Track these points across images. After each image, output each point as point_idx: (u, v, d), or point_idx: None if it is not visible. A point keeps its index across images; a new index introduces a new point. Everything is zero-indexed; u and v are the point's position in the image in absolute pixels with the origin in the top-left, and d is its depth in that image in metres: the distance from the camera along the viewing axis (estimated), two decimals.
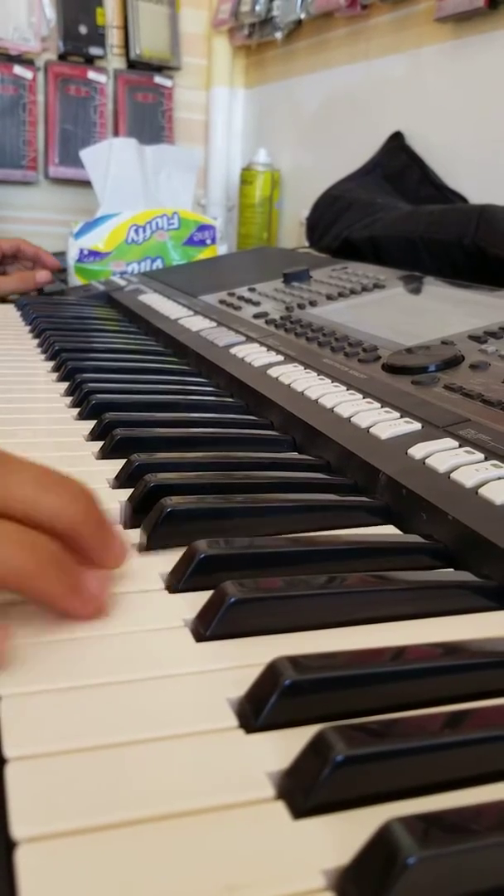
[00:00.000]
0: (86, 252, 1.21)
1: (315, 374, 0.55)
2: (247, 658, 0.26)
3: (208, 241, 1.30)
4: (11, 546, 0.26)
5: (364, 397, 0.49)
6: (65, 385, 0.61)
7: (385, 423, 0.44)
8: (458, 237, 0.85)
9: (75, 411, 0.55)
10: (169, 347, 0.75)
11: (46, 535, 0.28)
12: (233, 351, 0.65)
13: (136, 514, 0.38)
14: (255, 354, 0.62)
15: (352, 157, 1.23)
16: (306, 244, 1.20)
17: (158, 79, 1.63)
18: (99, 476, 0.42)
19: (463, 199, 1.06)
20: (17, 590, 0.27)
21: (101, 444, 0.47)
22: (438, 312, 0.67)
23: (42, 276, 1.05)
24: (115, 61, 1.60)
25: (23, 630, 0.27)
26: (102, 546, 0.30)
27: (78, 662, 0.26)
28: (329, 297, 0.77)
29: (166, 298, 0.92)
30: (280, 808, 0.20)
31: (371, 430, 0.44)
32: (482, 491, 0.35)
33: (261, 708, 0.23)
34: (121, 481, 0.42)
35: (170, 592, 0.31)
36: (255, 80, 1.67)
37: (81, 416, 0.53)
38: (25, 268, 1.10)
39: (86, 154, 1.27)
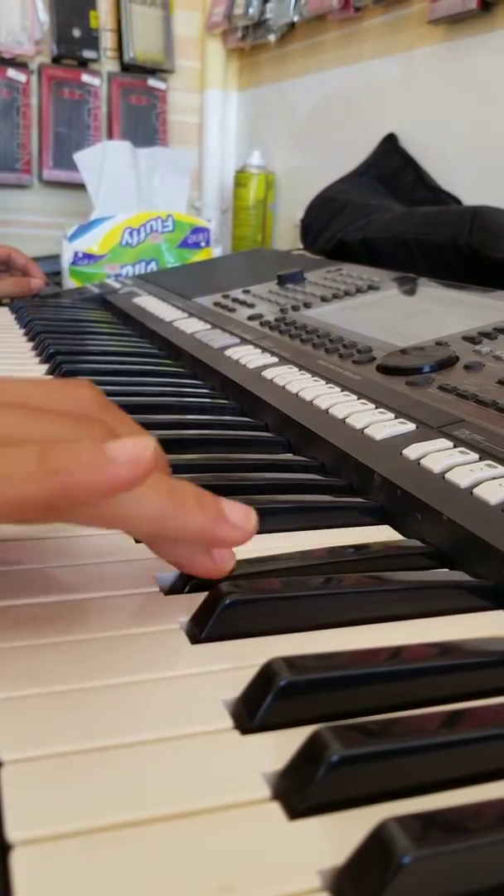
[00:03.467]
0: (80, 255, 1.21)
1: (310, 375, 0.55)
2: (242, 659, 0.26)
3: (203, 244, 1.30)
4: (153, 491, 0.27)
5: (358, 398, 0.49)
6: None
7: (380, 424, 0.44)
8: (451, 238, 0.85)
9: None
10: (163, 350, 0.75)
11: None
12: (227, 353, 0.65)
13: None
14: (249, 356, 0.62)
15: (346, 159, 1.23)
16: (300, 246, 1.20)
17: (152, 81, 1.63)
18: None
19: (456, 201, 1.06)
20: (160, 531, 0.27)
21: None
22: (432, 313, 0.67)
23: (36, 283, 1.05)
24: (109, 64, 1.61)
25: (18, 633, 0.27)
26: (216, 522, 0.29)
27: (73, 665, 0.26)
28: (323, 299, 0.77)
29: (161, 301, 0.92)
30: (275, 809, 0.20)
31: (366, 430, 0.44)
32: (477, 491, 0.35)
33: (256, 709, 0.23)
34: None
35: (165, 594, 0.31)
36: (249, 82, 1.67)
37: None
38: (15, 276, 1.10)
39: (80, 157, 1.27)
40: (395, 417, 0.45)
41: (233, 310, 0.80)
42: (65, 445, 0.25)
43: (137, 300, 0.96)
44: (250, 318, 0.75)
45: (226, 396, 0.60)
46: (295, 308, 0.75)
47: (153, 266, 1.25)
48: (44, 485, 0.24)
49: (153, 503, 0.27)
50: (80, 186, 1.32)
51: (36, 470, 0.24)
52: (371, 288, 0.78)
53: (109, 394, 0.56)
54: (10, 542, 0.34)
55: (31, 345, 0.77)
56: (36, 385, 0.30)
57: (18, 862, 0.18)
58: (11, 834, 0.19)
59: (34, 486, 0.24)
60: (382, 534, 0.38)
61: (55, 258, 1.25)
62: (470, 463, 0.38)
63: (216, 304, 0.84)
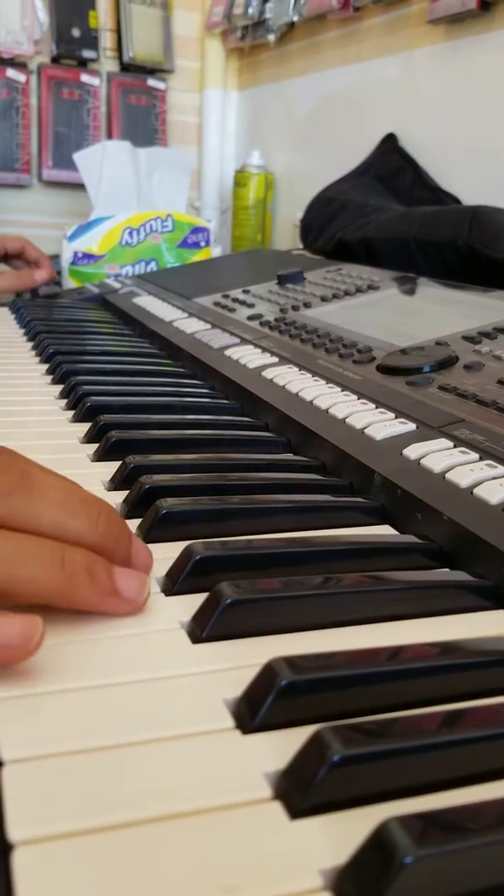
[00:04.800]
0: (80, 255, 1.21)
1: (310, 375, 0.55)
2: (243, 659, 0.26)
3: (202, 244, 1.30)
4: (42, 566, 0.27)
5: (359, 398, 0.49)
6: (59, 388, 0.60)
7: (380, 424, 0.44)
8: (451, 238, 0.85)
9: (70, 413, 0.55)
10: (163, 350, 0.75)
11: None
12: (227, 353, 0.65)
13: (132, 516, 0.38)
14: (249, 356, 0.62)
15: (345, 158, 1.23)
16: (300, 246, 1.20)
17: (151, 81, 1.63)
18: (94, 478, 0.42)
19: (456, 201, 1.06)
20: (53, 605, 0.27)
21: (95, 446, 0.47)
22: (432, 313, 0.67)
23: (41, 274, 1.05)
24: (109, 64, 1.61)
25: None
26: (125, 562, 0.30)
27: (74, 665, 0.26)
28: (323, 299, 0.77)
29: (161, 301, 0.92)
30: (277, 809, 0.20)
31: (366, 430, 0.44)
32: (477, 491, 0.35)
33: (257, 709, 0.23)
34: (116, 483, 0.42)
35: (166, 595, 0.31)
36: (249, 82, 1.67)
37: (76, 419, 0.53)
38: (19, 269, 1.09)
39: (79, 157, 1.27)
40: (396, 417, 0.45)
41: (233, 310, 0.80)
42: None
43: (137, 300, 0.96)
44: (250, 317, 0.75)
45: (226, 396, 0.60)
46: (295, 308, 0.75)
47: (153, 266, 1.25)
48: None
49: (44, 577, 0.27)
50: (80, 186, 1.32)
51: None
52: (371, 288, 0.78)
53: (108, 394, 0.57)
54: None
55: (30, 345, 0.77)
56: (61, 513, 0.29)
57: (20, 861, 0.18)
58: (13, 833, 0.19)
59: None
60: (382, 534, 0.38)
61: (55, 258, 1.25)
62: (470, 463, 0.38)
63: (216, 303, 0.84)
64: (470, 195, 1.04)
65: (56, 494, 0.29)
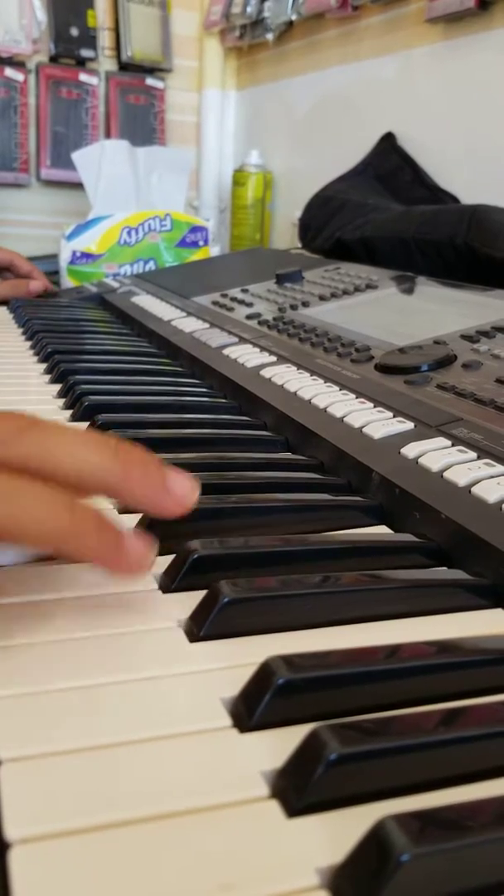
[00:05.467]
0: (78, 254, 1.21)
1: (308, 374, 0.55)
2: (240, 658, 0.26)
3: (201, 243, 1.30)
4: (48, 506, 0.26)
5: (357, 397, 0.49)
6: (58, 387, 0.60)
7: (378, 423, 0.44)
8: (449, 237, 0.85)
9: (68, 413, 0.55)
10: (162, 349, 0.75)
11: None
12: (226, 352, 0.65)
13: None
14: (247, 355, 0.62)
15: (344, 158, 1.23)
16: (299, 245, 1.20)
17: (150, 81, 1.63)
18: None
19: (455, 200, 1.06)
20: (57, 549, 0.26)
21: None
22: (431, 312, 0.67)
23: (35, 285, 1.05)
24: (107, 63, 1.60)
25: (17, 631, 0.27)
26: (162, 492, 0.29)
27: (71, 663, 0.26)
28: (322, 298, 0.77)
29: (159, 300, 0.92)
30: (274, 807, 0.20)
31: (364, 429, 0.44)
32: (475, 489, 0.35)
33: (254, 707, 0.23)
34: None
35: (163, 593, 0.31)
36: (247, 81, 1.67)
37: (75, 418, 0.53)
38: (14, 279, 1.10)
39: (78, 156, 1.27)
40: (394, 416, 0.45)
41: (231, 309, 0.80)
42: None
43: (136, 299, 0.95)
44: (248, 316, 0.75)
45: (224, 395, 0.60)
46: (293, 307, 0.75)
47: (151, 265, 1.25)
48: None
49: (50, 518, 0.26)
50: (78, 185, 1.32)
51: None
52: (369, 287, 0.78)
53: (107, 392, 0.57)
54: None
55: (28, 344, 0.77)
56: (80, 447, 0.28)
57: (17, 860, 0.18)
58: (10, 832, 0.19)
59: None
60: (380, 532, 0.38)
61: (53, 257, 1.25)
62: (468, 461, 0.38)
63: (214, 303, 0.84)
64: (468, 194, 1.04)
65: (72, 433, 0.28)
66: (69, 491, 0.27)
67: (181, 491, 0.29)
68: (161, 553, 0.31)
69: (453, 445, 0.40)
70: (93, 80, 1.58)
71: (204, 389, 0.62)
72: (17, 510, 0.26)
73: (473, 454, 0.39)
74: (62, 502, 0.26)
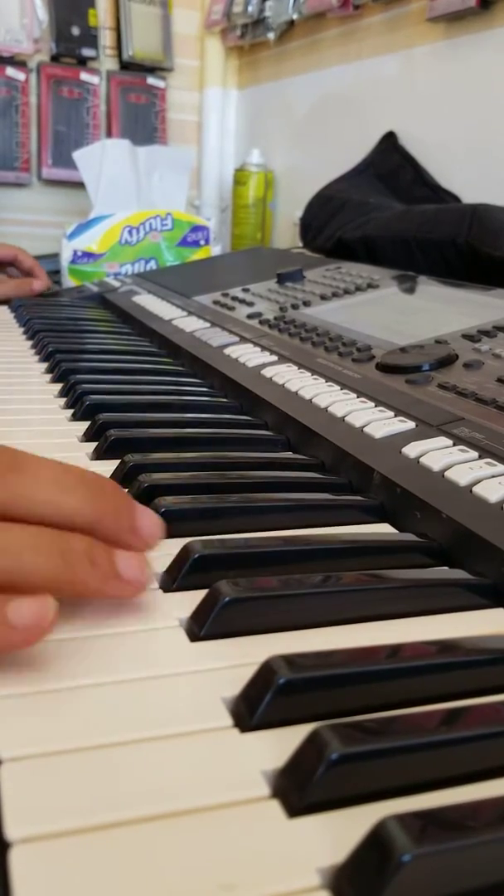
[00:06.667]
0: (79, 253, 1.21)
1: (309, 374, 0.55)
2: (241, 657, 0.26)
3: (202, 242, 1.30)
4: (40, 554, 0.27)
5: (358, 397, 0.49)
6: (59, 386, 0.60)
7: (379, 423, 0.44)
8: (451, 236, 0.85)
9: (69, 412, 0.55)
10: (163, 348, 0.75)
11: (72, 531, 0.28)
12: (227, 351, 0.65)
13: None
14: (248, 355, 0.62)
15: (345, 157, 1.23)
16: (300, 244, 1.20)
17: (151, 80, 1.63)
18: None
19: (456, 199, 1.06)
20: (55, 594, 0.27)
21: (95, 444, 0.47)
22: (432, 312, 0.67)
23: (38, 284, 1.05)
24: (108, 62, 1.60)
25: None
26: (129, 533, 0.30)
27: (72, 663, 0.26)
28: (323, 297, 0.77)
29: (160, 299, 0.92)
30: (275, 807, 0.20)
31: (365, 429, 0.44)
32: (476, 489, 0.35)
33: (255, 707, 0.23)
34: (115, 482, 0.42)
35: (164, 592, 0.31)
36: (248, 80, 1.67)
37: (75, 417, 0.53)
38: (18, 277, 1.10)
39: (79, 155, 1.27)
40: (395, 416, 0.45)
41: (232, 308, 0.80)
42: None
43: (136, 299, 0.95)
44: (249, 316, 0.75)
45: (225, 395, 0.60)
46: (294, 306, 0.75)
47: (152, 264, 1.25)
48: None
49: (43, 566, 0.26)
50: (80, 185, 1.32)
51: None
52: (370, 286, 0.78)
53: (108, 392, 0.57)
54: None
55: (29, 343, 0.77)
56: (55, 490, 0.29)
57: (17, 860, 0.18)
58: (11, 832, 0.19)
59: None
60: (381, 532, 0.38)
61: (54, 257, 1.25)
62: (469, 461, 0.38)
63: (215, 302, 0.84)
64: (470, 193, 1.04)
65: (48, 473, 0.29)
66: (54, 529, 0.28)
67: (148, 530, 0.30)
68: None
69: (454, 445, 0.40)
70: (94, 79, 1.58)
71: (205, 389, 0.61)
72: (16, 563, 0.26)
73: (475, 454, 0.39)
74: (52, 547, 0.27)
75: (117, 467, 0.42)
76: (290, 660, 0.24)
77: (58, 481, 0.29)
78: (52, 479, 0.29)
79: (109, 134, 1.61)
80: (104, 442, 0.46)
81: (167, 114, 1.67)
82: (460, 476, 0.37)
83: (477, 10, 0.99)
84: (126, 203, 1.25)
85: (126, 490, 0.39)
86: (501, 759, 0.22)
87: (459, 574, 0.33)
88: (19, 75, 1.52)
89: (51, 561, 0.27)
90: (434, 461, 0.38)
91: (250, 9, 1.45)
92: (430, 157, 1.12)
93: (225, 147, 1.74)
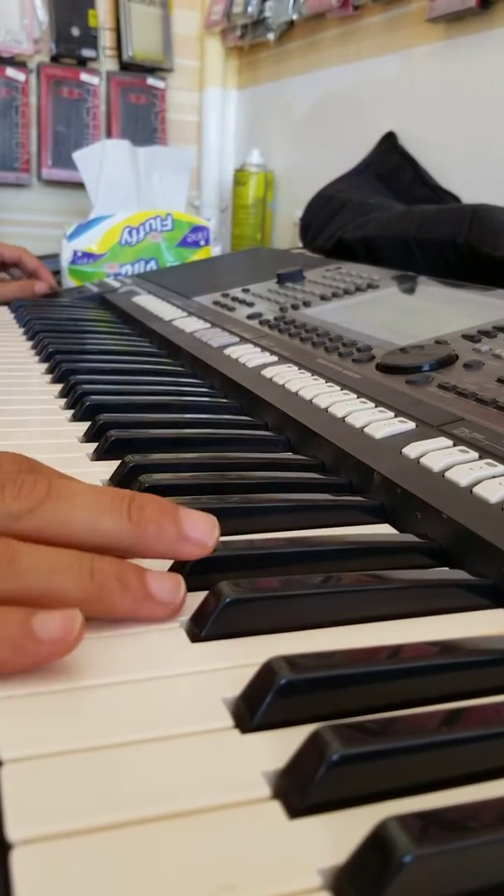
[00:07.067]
0: (79, 254, 1.21)
1: (309, 374, 0.55)
2: (242, 658, 0.26)
3: (202, 243, 1.30)
4: (72, 578, 0.26)
5: (358, 397, 0.49)
6: (59, 387, 0.60)
7: (379, 423, 0.44)
8: (451, 237, 0.85)
9: (70, 413, 0.55)
10: (163, 349, 0.75)
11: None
12: (227, 352, 0.65)
13: None
14: (249, 355, 0.62)
15: (345, 157, 1.23)
16: (300, 245, 1.20)
17: (151, 80, 1.63)
18: (93, 477, 0.42)
19: (456, 199, 1.06)
20: (88, 615, 0.26)
21: (95, 445, 0.47)
22: (432, 312, 0.67)
23: (41, 286, 1.06)
24: (108, 63, 1.60)
25: None
26: (179, 542, 0.29)
27: (73, 664, 0.26)
28: (323, 298, 0.77)
29: (160, 300, 0.92)
30: (276, 808, 0.20)
31: (365, 429, 0.44)
32: (476, 489, 0.35)
33: (256, 708, 0.23)
34: (115, 483, 0.42)
35: None
36: (248, 81, 1.67)
37: (76, 418, 0.53)
38: (21, 279, 1.10)
39: (79, 156, 1.27)
40: (395, 416, 0.45)
41: (232, 308, 0.80)
42: None
43: (137, 299, 0.95)
44: (250, 316, 0.75)
45: (225, 395, 0.60)
46: (294, 307, 0.75)
47: (152, 265, 1.25)
48: None
49: (74, 588, 0.26)
50: (80, 185, 1.32)
51: None
52: (370, 286, 0.78)
53: (108, 392, 0.57)
54: None
55: (29, 344, 0.77)
56: (91, 514, 0.28)
57: (18, 861, 0.18)
58: (12, 833, 0.19)
59: None
60: (382, 532, 0.38)
61: (54, 257, 1.25)
62: (470, 461, 0.38)
63: (215, 302, 0.84)
64: (470, 194, 1.04)
65: (84, 498, 0.29)
66: (85, 552, 0.28)
67: (200, 535, 0.29)
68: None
69: (455, 445, 0.40)
70: (94, 79, 1.58)
71: (205, 389, 0.61)
72: (46, 584, 0.26)
73: (475, 454, 0.39)
74: (83, 570, 0.27)
75: (118, 468, 0.42)
76: (291, 660, 0.24)
77: (93, 506, 0.29)
78: (88, 504, 0.28)
79: (109, 134, 1.61)
80: (104, 442, 0.46)
81: (167, 114, 1.67)
82: (460, 476, 0.37)
83: (477, 10, 0.99)
84: (126, 203, 1.25)
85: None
86: (502, 760, 0.22)
87: (460, 574, 0.33)
88: (19, 76, 1.52)
89: (81, 583, 0.27)
90: (434, 462, 0.38)
91: (250, 9, 1.45)
92: (429, 157, 1.12)
93: (225, 147, 1.74)
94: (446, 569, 0.34)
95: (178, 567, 0.32)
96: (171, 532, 0.29)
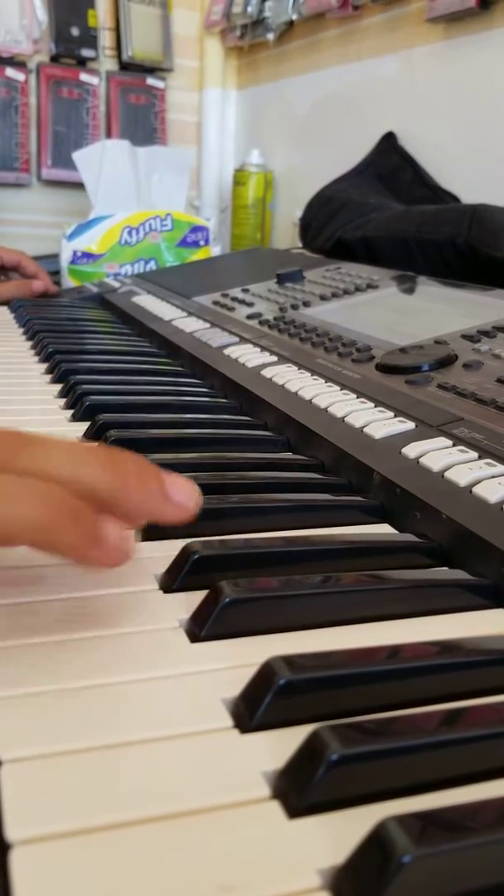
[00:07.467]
0: (79, 254, 1.21)
1: (309, 374, 0.55)
2: (242, 658, 0.26)
3: (202, 243, 1.30)
4: (24, 500, 0.26)
5: (358, 397, 0.49)
6: (59, 387, 0.60)
7: (379, 423, 0.44)
8: (450, 237, 0.85)
9: (69, 413, 0.54)
10: (163, 349, 0.75)
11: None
12: (226, 352, 0.65)
13: None
14: (248, 355, 0.62)
15: (344, 157, 1.23)
16: (299, 245, 1.20)
17: (151, 80, 1.63)
18: None
19: (455, 199, 1.06)
20: (32, 544, 0.26)
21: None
22: (432, 312, 0.67)
23: (38, 285, 1.06)
24: (108, 63, 1.60)
25: (17, 631, 0.27)
26: (161, 501, 0.29)
27: (72, 663, 0.26)
28: (322, 298, 0.77)
29: (160, 300, 0.92)
30: (275, 808, 0.20)
31: (365, 429, 0.44)
32: (476, 489, 0.35)
33: (256, 708, 0.23)
34: None
35: (165, 593, 0.31)
36: (248, 81, 1.67)
37: (75, 418, 0.53)
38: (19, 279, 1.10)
39: (78, 156, 1.27)
40: (395, 416, 0.45)
41: (232, 308, 0.80)
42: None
43: (136, 299, 0.95)
44: (249, 316, 0.75)
45: (225, 395, 0.60)
46: (294, 307, 0.75)
47: (152, 265, 1.25)
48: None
49: (26, 512, 0.26)
50: (79, 185, 1.32)
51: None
52: (370, 286, 0.78)
53: (108, 392, 0.57)
54: None
55: (29, 344, 0.77)
56: (71, 462, 0.28)
57: (18, 861, 0.18)
58: (11, 833, 0.19)
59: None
60: (381, 532, 0.38)
61: (54, 257, 1.25)
62: (469, 461, 0.38)
63: (215, 302, 0.84)
64: (469, 194, 1.04)
65: (64, 448, 0.28)
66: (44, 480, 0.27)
67: (181, 497, 0.29)
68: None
69: (454, 445, 0.40)
70: (93, 79, 1.58)
71: (205, 389, 0.61)
72: (73, 474, 0.26)
73: (474, 454, 0.39)
74: (36, 493, 0.26)
75: None
76: (291, 660, 0.24)
77: (78, 453, 0.28)
78: (71, 450, 0.28)
79: (109, 134, 1.61)
80: (104, 442, 0.46)
81: (167, 114, 1.67)
82: (460, 476, 0.37)
83: (476, 10, 0.99)
84: (126, 204, 1.25)
85: None
86: (501, 760, 0.22)
87: (459, 574, 0.33)
88: (19, 76, 1.52)
89: (33, 508, 0.26)
90: (434, 461, 0.38)
91: (250, 9, 1.45)
92: (429, 157, 1.12)
93: (224, 147, 1.74)
94: (446, 569, 0.34)
95: (178, 564, 0.32)
96: (154, 487, 0.29)
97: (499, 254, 0.80)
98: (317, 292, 0.79)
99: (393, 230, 0.94)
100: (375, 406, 0.47)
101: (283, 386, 0.54)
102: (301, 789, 0.20)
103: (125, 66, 1.61)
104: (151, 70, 1.63)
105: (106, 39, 1.59)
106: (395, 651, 0.26)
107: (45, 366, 0.68)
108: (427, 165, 1.12)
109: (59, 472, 0.27)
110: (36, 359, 0.71)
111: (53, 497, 0.26)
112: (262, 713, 0.23)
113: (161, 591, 0.31)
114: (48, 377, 0.64)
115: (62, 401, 0.58)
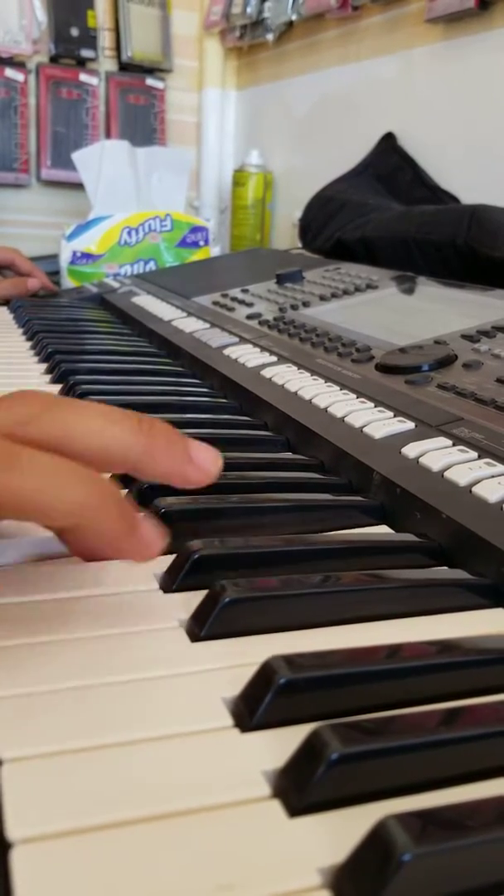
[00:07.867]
0: (78, 254, 1.21)
1: (308, 374, 0.55)
2: (242, 657, 0.26)
3: (201, 243, 1.30)
4: (75, 481, 0.26)
5: (357, 397, 0.49)
6: (58, 387, 0.60)
7: (378, 423, 0.44)
8: (450, 237, 0.85)
9: None
10: (162, 349, 0.75)
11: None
12: (226, 352, 0.65)
13: None
14: (248, 355, 0.62)
15: (344, 158, 1.23)
16: (299, 245, 1.20)
17: (150, 81, 1.63)
18: None
19: (455, 200, 1.06)
20: (77, 523, 0.26)
21: None
22: (431, 312, 0.67)
23: (33, 282, 1.05)
24: (107, 63, 1.60)
25: (17, 631, 0.27)
26: (186, 464, 0.29)
27: (72, 663, 0.26)
28: (322, 298, 0.77)
29: (159, 300, 0.92)
30: (275, 807, 0.20)
31: (364, 429, 0.44)
32: (476, 489, 0.35)
33: (256, 707, 0.23)
34: (114, 482, 0.42)
35: (164, 592, 0.31)
36: (247, 81, 1.67)
37: None
38: (13, 277, 1.10)
39: (78, 156, 1.27)
40: (394, 416, 0.45)
41: (231, 309, 0.80)
42: None
43: (136, 299, 0.95)
44: (249, 317, 0.75)
45: (224, 395, 0.60)
46: (294, 307, 0.75)
47: (152, 265, 1.25)
48: None
49: (76, 491, 0.26)
50: (79, 186, 1.32)
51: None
52: (370, 287, 0.78)
53: (108, 393, 0.57)
54: (6, 540, 0.34)
55: (29, 344, 0.77)
56: (101, 421, 0.29)
57: (18, 860, 0.18)
58: (12, 832, 0.19)
59: None
60: (381, 532, 0.38)
61: (53, 258, 1.25)
62: (469, 461, 0.38)
63: (215, 303, 0.84)
64: (469, 194, 1.04)
65: (93, 409, 0.28)
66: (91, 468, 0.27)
67: (205, 462, 0.30)
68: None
69: (454, 445, 0.40)
70: (93, 80, 1.58)
71: (204, 389, 0.62)
72: (44, 484, 0.26)
73: (474, 454, 0.39)
74: (85, 477, 0.26)
75: None
76: (291, 660, 0.24)
77: (105, 413, 0.28)
78: (98, 410, 0.28)
79: (108, 135, 1.61)
80: None
81: (166, 115, 1.67)
82: (460, 476, 0.37)
83: (476, 11, 0.99)
84: (125, 204, 1.25)
85: (125, 491, 0.39)
86: (501, 759, 0.22)
87: (459, 574, 0.33)
88: (18, 76, 1.52)
89: (83, 488, 0.26)
90: (434, 461, 0.38)
91: (249, 10, 1.45)
92: (429, 157, 1.12)
93: (224, 148, 1.74)
94: (446, 568, 0.34)
95: (178, 564, 0.32)
96: (180, 448, 0.29)
97: (498, 254, 0.80)
98: (316, 292, 0.79)
99: (392, 231, 0.94)
100: (375, 406, 0.47)
101: (282, 386, 0.54)
102: (301, 788, 0.20)
103: (124, 67, 1.61)
104: (151, 70, 1.63)
105: (105, 40, 1.59)
106: (394, 650, 0.26)
107: (44, 366, 0.68)
108: (426, 166, 1.12)
109: (86, 431, 0.28)
110: (35, 359, 0.71)
111: (102, 482, 0.27)
112: (262, 712, 0.23)
113: (161, 591, 0.31)
114: (48, 377, 0.64)
115: None
